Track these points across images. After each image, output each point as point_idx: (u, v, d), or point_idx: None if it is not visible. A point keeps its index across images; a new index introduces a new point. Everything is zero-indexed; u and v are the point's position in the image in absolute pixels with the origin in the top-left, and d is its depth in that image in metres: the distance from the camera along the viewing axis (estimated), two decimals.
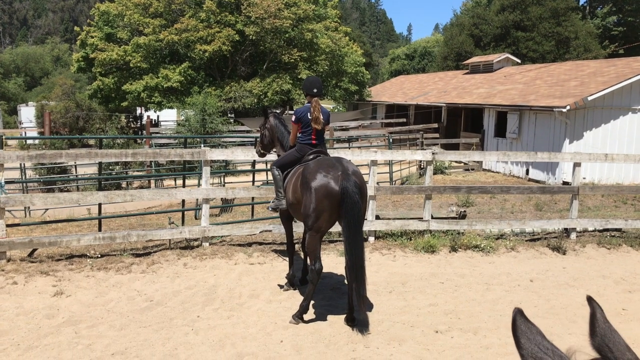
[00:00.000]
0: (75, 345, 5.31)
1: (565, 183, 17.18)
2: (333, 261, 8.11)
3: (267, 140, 7.30)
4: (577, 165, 9.75)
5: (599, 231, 10.11)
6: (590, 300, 1.19)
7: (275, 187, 6.74)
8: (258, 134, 7.76)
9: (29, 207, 14.09)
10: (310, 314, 6.11)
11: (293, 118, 6.58)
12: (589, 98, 18.04)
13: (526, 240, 9.54)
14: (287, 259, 7.33)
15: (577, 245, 9.35)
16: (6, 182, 8.22)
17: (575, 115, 18.48)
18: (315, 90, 6.50)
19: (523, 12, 41.79)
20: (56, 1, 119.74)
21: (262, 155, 7.65)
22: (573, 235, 9.71)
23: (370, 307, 6.32)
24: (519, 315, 1.12)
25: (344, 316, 6.03)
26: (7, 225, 8.02)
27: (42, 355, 5.09)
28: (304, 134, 6.59)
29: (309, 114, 6.48)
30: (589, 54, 38.30)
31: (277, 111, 7.41)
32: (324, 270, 7.57)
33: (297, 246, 8.16)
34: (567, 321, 6.12)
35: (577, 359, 1.07)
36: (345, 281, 6.51)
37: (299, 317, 5.95)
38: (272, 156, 8.00)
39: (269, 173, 17.57)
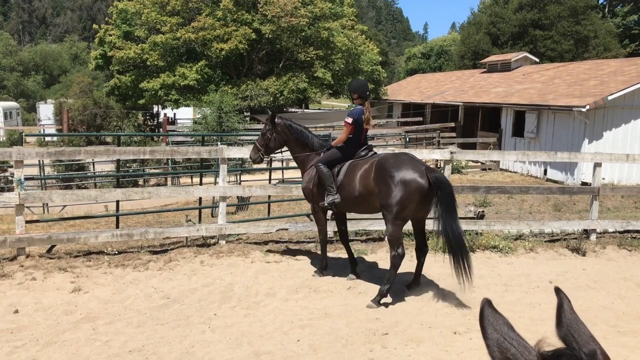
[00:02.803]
0: (93, 341, 5.33)
1: (584, 183, 16.97)
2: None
3: (276, 144, 7.43)
4: (597, 165, 9.59)
5: (620, 233, 9.93)
6: (557, 291, 1.22)
7: (327, 184, 6.91)
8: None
9: (47, 204, 14.22)
10: (327, 314, 6.08)
11: (350, 120, 6.89)
12: (609, 97, 17.79)
13: (545, 241, 9.41)
14: (320, 253, 7.62)
15: (597, 246, 9.20)
16: (25, 179, 8.29)
17: (595, 115, 18.23)
18: (368, 93, 7.12)
19: (541, 11, 41.38)
20: None
21: (260, 161, 7.65)
22: (593, 237, 9.56)
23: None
24: (487, 305, 1.14)
25: (360, 316, 6.01)
26: (27, 222, 8.08)
27: (61, 351, 5.12)
28: (355, 134, 6.98)
29: (362, 115, 6.92)
30: (608, 53, 37.81)
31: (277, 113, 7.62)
32: (340, 271, 7.55)
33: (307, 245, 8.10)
34: (588, 324, 5.92)
35: (541, 350, 1.08)
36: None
37: (378, 301, 6.37)
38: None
39: (285, 171, 17.59)
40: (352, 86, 7.19)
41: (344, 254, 8.33)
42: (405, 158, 6.63)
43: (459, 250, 6.26)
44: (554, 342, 1.12)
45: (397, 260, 6.47)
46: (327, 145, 7.31)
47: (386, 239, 6.88)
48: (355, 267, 7.45)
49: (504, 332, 1.10)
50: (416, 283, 6.92)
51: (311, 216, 9.80)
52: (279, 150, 7.80)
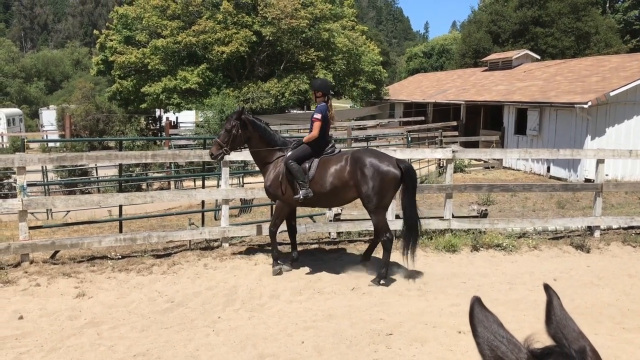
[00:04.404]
0: (98, 346, 5.33)
1: (587, 180, 16.92)
2: (354, 260, 8.05)
3: (241, 140, 7.41)
4: (600, 161, 9.57)
5: (624, 229, 9.90)
6: (547, 287, 1.21)
7: (299, 179, 7.09)
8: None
9: (50, 209, 14.25)
10: (331, 315, 6.08)
11: (319, 116, 7.19)
12: (611, 93, 17.75)
13: (549, 239, 9.38)
14: (271, 248, 7.72)
15: (602, 243, 9.18)
16: (28, 185, 8.30)
17: (597, 111, 18.19)
18: (331, 92, 7.45)
19: (542, 8, 41.24)
20: (75, 5, 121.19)
21: (222, 158, 7.61)
22: (597, 233, 9.53)
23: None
24: (476, 303, 1.14)
25: (364, 317, 5.99)
26: (30, 228, 8.09)
27: (65, 356, 5.12)
28: (322, 130, 7.26)
29: (327, 112, 7.28)
30: (610, 49, 37.69)
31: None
32: (344, 272, 7.54)
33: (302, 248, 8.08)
34: (593, 321, 6.00)
35: (531, 347, 1.08)
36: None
37: (378, 282, 7.01)
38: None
39: None
40: (316, 85, 7.48)
41: (345, 253, 8.36)
42: (377, 152, 7.38)
43: (412, 233, 7.11)
44: (544, 340, 1.12)
45: (388, 244, 7.12)
46: (292, 142, 7.46)
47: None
48: (294, 258, 7.71)
49: (494, 330, 1.10)
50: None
51: (314, 217, 9.83)
52: (239, 148, 7.72)
